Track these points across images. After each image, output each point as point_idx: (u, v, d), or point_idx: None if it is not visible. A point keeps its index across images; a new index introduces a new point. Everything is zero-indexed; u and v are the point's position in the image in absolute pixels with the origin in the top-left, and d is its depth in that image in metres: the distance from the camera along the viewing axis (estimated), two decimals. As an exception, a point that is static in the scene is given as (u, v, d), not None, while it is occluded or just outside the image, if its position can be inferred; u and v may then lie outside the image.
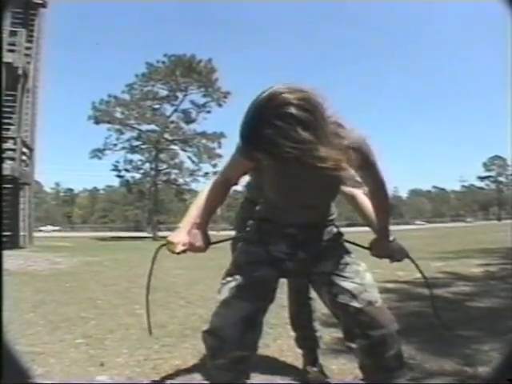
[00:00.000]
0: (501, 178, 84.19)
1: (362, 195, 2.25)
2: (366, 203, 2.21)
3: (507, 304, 4.66)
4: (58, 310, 5.01)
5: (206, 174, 38.97)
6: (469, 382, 2.69)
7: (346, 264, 1.87)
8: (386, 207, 1.99)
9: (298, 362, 2.93)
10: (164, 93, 39.12)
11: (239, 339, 1.71)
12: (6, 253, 11.39)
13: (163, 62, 38.25)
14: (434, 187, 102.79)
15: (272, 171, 1.78)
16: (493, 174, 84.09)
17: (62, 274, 8.67)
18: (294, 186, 1.76)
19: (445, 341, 3.35)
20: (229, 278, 1.83)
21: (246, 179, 2.58)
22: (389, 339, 1.76)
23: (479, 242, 15.62)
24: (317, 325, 2.79)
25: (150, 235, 36.34)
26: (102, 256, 13.29)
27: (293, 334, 2.91)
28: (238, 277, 1.82)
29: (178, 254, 2.00)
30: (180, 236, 2.03)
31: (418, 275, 2.07)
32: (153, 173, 39.51)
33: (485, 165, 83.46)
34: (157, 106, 39.19)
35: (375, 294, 1.82)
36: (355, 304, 1.77)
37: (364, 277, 1.84)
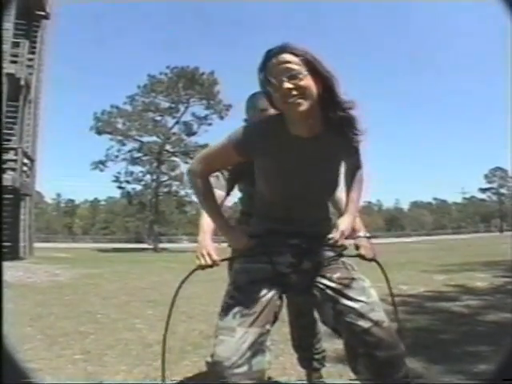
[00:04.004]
0: (502, 190, 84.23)
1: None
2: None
3: (516, 319, 4.57)
4: (56, 323, 4.92)
5: (207, 186, 38.76)
6: (468, 381, 2.68)
7: (352, 279, 1.80)
8: (361, 184, 1.99)
9: (302, 381, 2.84)
10: (166, 105, 39.21)
11: (248, 368, 1.61)
12: (5, 264, 11.28)
13: (165, 74, 38.40)
14: (435, 199, 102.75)
15: (271, 160, 1.73)
16: (494, 185, 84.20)
17: (62, 287, 8.57)
18: (294, 171, 1.73)
19: (453, 358, 3.27)
20: (230, 302, 1.73)
21: (238, 193, 2.52)
22: (396, 361, 1.70)
23: (482, 255, 15.50)
24: (322, 346, 2.69)
25: (151, 247, 36.16)
26: (102, 268, 13.18)
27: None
28: (240, 299, 1.72)
29: (214, 265, 1.91)
30: (208, 245, 1.98)
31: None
32: (154, 184, 39.46)
33: (486, 176, 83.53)
34: (158, 118, 39.23)
35: (382, 313, 1.75)
36: (362, 323, 1.70)
37: (370, 294, 1.77)
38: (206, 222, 2.07)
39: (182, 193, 40.81)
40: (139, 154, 38.68)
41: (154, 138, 38.55)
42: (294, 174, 1.74)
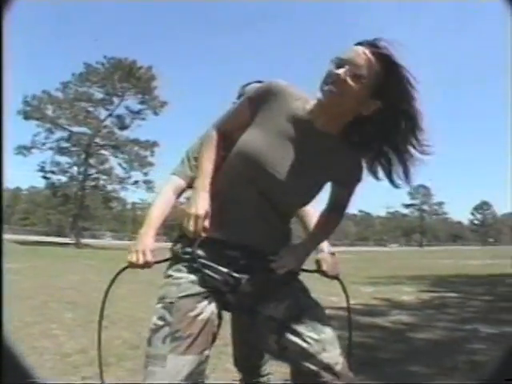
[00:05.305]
0: (424, 207, 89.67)
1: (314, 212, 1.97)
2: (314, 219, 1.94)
3: (449, 336, 4.62)
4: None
5: (136, 182, 38.15)
6: (468, 381, 2.66)
7: (302, 310, 1.51)
8: (332, 228, 1.71)
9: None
10: (100, 96, 38.11)
11: None
12: None
13: (102, 64, 37.24)
14: (360, 211, 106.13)
15: (264, 126, 1.50)
16: (417, 202, 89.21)
17: (-30, 282, 7.83)
18: (277, 152, 1.47)
19: (395, 378, 3.16)
20: (159, 323, 1.43)
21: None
22: None
23: (406, 268, 16.06)
24: (267, 368, 2.45)
25: (73, 241, 34.92)
26: (18, 262, 12.27)
27: (229, 365, 2.58)
28: (171, 320, 1.42)
29: (145, 266, 1.61)
30: (147, 242, 1.66)
31: (352, 301, 1.81)
32: (80, 177, 38.07)
33: (410, 193, 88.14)
34: (91, 109, 38.04)
35: (335, 352, 1.46)
36: (309, 365, 1.43)
37: (322, 329, 1.48)
38: (155, 215, 1.78)
39: (109, 188, 39.81)
40: (67, 144, 37.34)
41: (85, 129, 37.34)
42: (276, 156, 1.47)
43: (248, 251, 1.51)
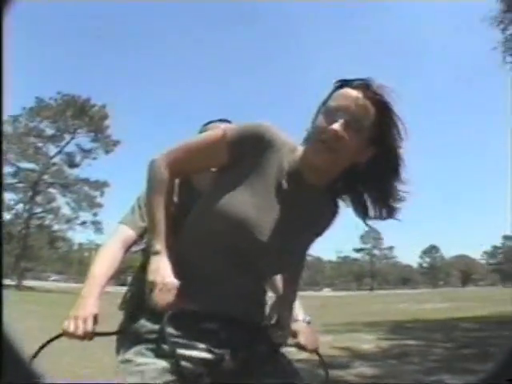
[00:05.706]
0: (375, 251, 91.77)
1: None
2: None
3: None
4: None
5: (84, 223, 37.13)
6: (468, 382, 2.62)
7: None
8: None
9: None
10: (50, 132, 37.29)
11: None
12: None
13: (55, 100, 36.62)
14: (310, 256, 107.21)
15: (246, 176, 1.24)
16: (368, 246, 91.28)
17: None
18: (268, 213, 1.24)
19: None
20: None
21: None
22: None
23: (361, 314, 15.95)
24: None
25: (14, 283, 33.19)
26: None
27: None
28: None
29: (85, 338, 1.31)
30: (89, 308, 1.35)
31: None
32: (25, 215, 36.67)
33: (361, 237, 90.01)
34: (40, 145, 37.07)
35: None
36: None
37: None
38: (101, 272, 1.47)
39: (56, 227, 38.48)
40: (13, 180, 35.99)
41: (33, 166, 36.22)
42: (265, 219, 1.23)
43: (227, 321, 1.22)
